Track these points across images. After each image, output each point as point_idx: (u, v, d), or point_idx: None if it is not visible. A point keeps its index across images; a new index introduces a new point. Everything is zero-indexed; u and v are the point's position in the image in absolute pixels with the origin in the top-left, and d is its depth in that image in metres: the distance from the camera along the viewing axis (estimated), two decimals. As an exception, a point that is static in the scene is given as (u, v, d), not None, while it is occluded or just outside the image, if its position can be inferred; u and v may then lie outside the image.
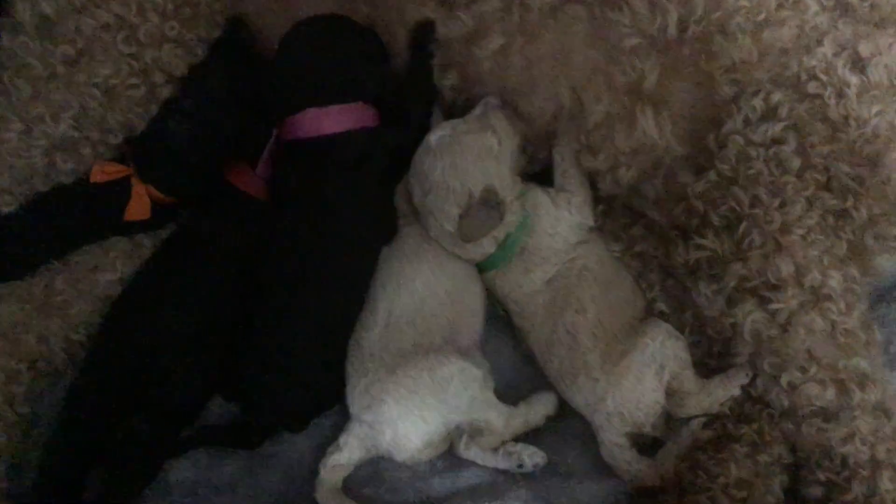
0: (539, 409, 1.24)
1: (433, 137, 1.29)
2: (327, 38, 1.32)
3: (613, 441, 1.18)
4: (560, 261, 1.28)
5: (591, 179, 1.32)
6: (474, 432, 1.20)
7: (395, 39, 1.36)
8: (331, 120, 1.30)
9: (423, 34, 1.33)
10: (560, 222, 1.29)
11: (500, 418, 1.20)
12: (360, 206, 1.29)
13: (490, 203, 1.25)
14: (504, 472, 1.20)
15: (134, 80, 1.26)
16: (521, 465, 1.18)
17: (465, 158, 1.26)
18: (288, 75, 1.32)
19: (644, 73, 1.22)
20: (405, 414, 1.17)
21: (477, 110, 1.31)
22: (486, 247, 1.28)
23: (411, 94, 1.36)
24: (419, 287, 1.26)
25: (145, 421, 1.20)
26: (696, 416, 1.19)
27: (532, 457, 1.19)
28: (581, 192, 1.30)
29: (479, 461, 1.20)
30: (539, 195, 1.31)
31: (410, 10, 1.33)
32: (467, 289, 1.29)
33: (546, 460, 1.19)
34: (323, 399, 1.26)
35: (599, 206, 1.33)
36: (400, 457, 1.19)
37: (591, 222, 1.31)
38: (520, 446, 1.19)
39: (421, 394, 1.17)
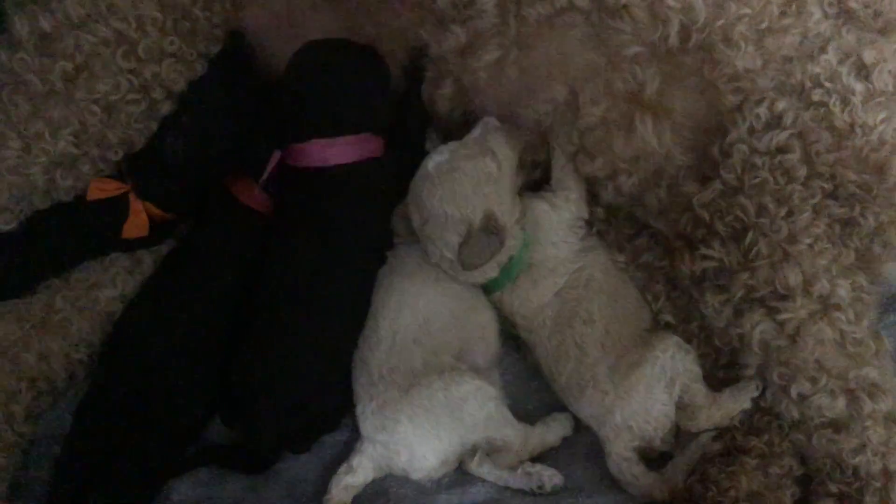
0: (556, 428, 1.23)
1: (431, 164, 1.26)
2: (338, 67, 1.29)
3: (621, 455, 1.17)
4: (567, 271, 1.27)
5: (591, 187, 1.32)
6: (491, 451, 1.19)
7: (394, 59, 1.35)
8: (337, 151, 1.28)
9: (415, 58, 1.33)
10: (561, 226, 1.28)
11: (517, 436, 1.19)
12: (361, 232, 1.28)
13: (490, 229, 1.23)
14: (510, 488, 1.19)
15: (133, 96, 1.25)
16: (540, 487, 1.17)
17: (463, 185, 1.23)
18: (296, 102, 1.29)
19: (645, 81, 1.21)
20: (421, 434, 1.16)
21: (475, 132, 1.29)
22: (489, 272, 1.26)
23: (407, 117, 1.35)
24: (422, 306, 1.24)
25: (150, 439, 1.19)
26: (707, 430, 1.18)
27: (552, 478, 1.17)
28: (577, 188, 1.29)
29: (493, 479, 1.19)
30: (536, 203, 1.30)
31: (410, 30, 1.33)
32: (473, 306, 1.28)
33: (563, 481, 1.18)
34: (325, 421, 1.25)
35: (601, 211, 1.33)
36: (415, 476, 1.18)
37: (585, 215, 1.30)
38: (539, 467, 1.18)
39: (436, 413, 1.16)
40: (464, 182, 1.23)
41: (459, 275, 1.26)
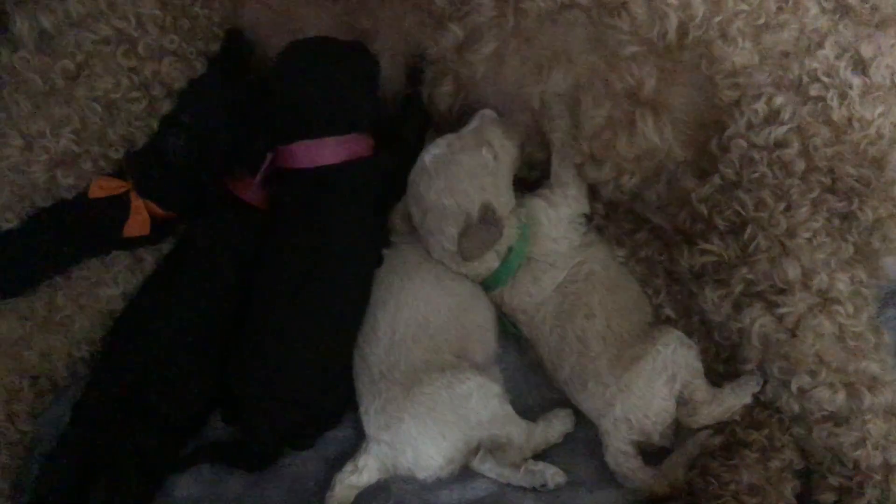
0: (557, 425, 1.24)
1: (427, 157, 1.27)
2: (322, 68, 1.28)
3: (619, 448, 1.17)
4: (567, 265, 1.28)
5: (592, 185, 1.32)
6: (494, 448, 1.19)
7: (392, 53, 1.35)
8: (326, 152, 1.27)
9: (415, 63, 1.33)
10: (561, 222, 1.29)
11: (521, 434, 1.19)
12: (355, 232, 1.28)
13: (488, 220, 1.23)
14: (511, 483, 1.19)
15: (134, 94, 1.26)
16: (543, 485, 1.17)
17: (460, 177, 1.24)
18: (281, 105, 1.29)
19: (642, 78, 1.22)
20: (425, 432, 1.16)
21: (472, 123, 1.30)
22: (490, 261, 1.27)
23: (407, 119, 1.35)
24: (421, 304, 1.25)
25: (150, 434, 1.19)
26: (707, 427, 1.18)
27: (554, 476, 1.17)
28: (576, 183, 1.30)
29: (495, 476, 1.19)
30: (535, 202, 1.30)
31: (407, 24, 1.33)
32: (472, 304, 1.28)
33: (566, 479, 1.18)
34: (325, 418, 1.26)
35: (600, 206, 1.33)
36: (421, 475, 1.18)
37: (586, 210, 1.31)
38: (542, 465, 1.18)
39: (440, 411, 1.16)
40: (460, 174, 1.24)
41: (461, 267, 1.27)
